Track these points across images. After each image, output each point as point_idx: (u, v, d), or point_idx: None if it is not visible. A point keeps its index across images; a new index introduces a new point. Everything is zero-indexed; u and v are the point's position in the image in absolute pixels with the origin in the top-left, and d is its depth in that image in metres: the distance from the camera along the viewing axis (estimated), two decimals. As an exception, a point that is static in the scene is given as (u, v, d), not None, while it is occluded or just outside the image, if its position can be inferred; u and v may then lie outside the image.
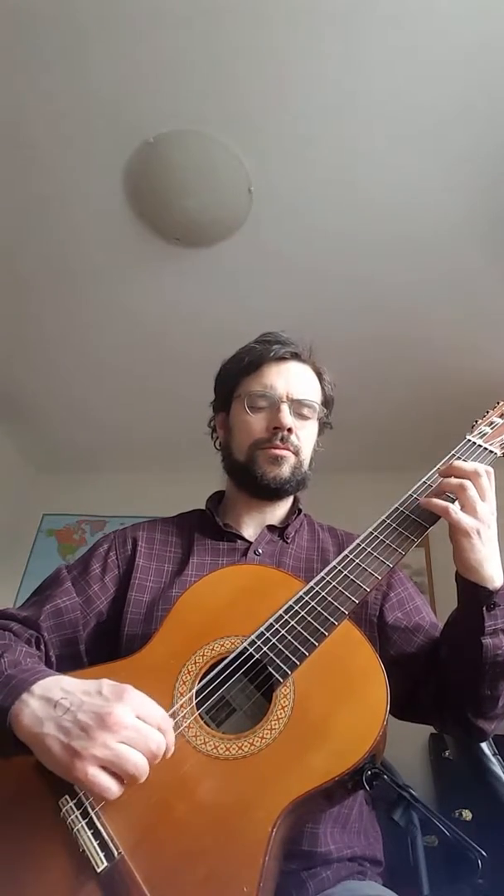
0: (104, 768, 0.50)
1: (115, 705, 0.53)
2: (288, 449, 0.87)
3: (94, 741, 0.50)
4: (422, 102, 1.45)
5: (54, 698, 0.55)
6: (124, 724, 0.52)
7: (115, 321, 2.26)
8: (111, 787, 0.50)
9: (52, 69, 1.44)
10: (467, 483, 0.68)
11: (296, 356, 0.93)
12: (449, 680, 0.73)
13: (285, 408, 0.88)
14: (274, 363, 0.91)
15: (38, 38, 1.38)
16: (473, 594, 0.68)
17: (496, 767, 1.07)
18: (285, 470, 0.87)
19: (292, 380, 0.90)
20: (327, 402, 0.97)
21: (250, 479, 0.88)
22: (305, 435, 0.91)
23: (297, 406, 0.90)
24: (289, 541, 0.91)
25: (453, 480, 0.69)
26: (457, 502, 0.69)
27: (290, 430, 0.87)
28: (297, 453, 0.89)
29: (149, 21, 1.34)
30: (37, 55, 1.41)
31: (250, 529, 0.92)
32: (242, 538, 0.90)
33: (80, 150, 1.62)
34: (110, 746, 0.50)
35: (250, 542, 0.89)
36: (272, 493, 0.90)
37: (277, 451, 0.87)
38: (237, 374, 0.93)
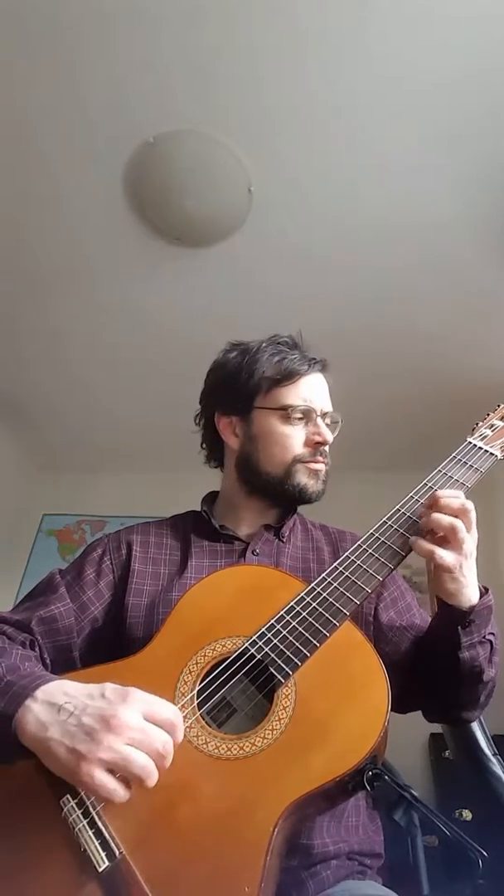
0: (110, 771, 0.50)
1: (119, 707, 0.53)
2: (325, 462, 0.90)
3: (99, 744, 0.50)
4: (423, 96, 1.45)
5: (58, 703, 0.54)
6: (129, 726, 0.51)
7: (115, 322, 2.26)
8: (117, 790, 0.50)
9: (52, 69, 1.44)
10: (458, 524, 0.67)
11: (324, 367, 0.94)
12: (433, 682, 0.77)
13: (322, 422, 0.90)
14: (309, 375, 0.91)
15: (37, 39, 1.38)
16: (449, 614, 0.71)
17: (496, 767, 1.08)
18: (321, 482, 0.90)
19: (323, 393, 0.93)
20: None
21: (284, 491, 0.88)
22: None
23: (326, 418, 0.92)
24: (284, 540, 0.92)
25: (444, 521, 0.67)
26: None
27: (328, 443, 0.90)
28: (328, 464, 0.91)
29: (149, 21, 1.34)
30: (37, 55, 1.41)
31: (247, 529, 0.92)
32: (239, 539, 0.90)
33: (80, 150, 1.62)
34: (116, 749, 0.50)
35: (247, 543, 0.90)
36: (304, 503, 0.91)
37: (318, 466, 0.89)
38: (266, 383, 0.90)
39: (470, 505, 0.68)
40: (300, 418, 0.89)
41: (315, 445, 0.88)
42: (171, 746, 0.53)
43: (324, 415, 0.91)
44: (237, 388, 0.92)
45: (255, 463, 0.90)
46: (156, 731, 0.53)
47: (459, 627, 0.70)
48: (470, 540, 0.68)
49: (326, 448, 0.90)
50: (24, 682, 0.58)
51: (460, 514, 0.67)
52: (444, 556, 0.66)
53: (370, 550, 0.71)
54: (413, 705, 0.81)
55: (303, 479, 0.87)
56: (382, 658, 0.79)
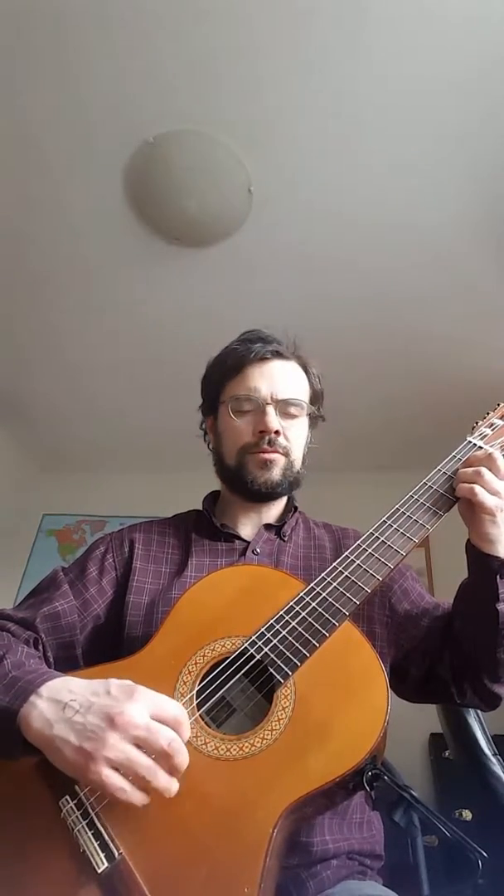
0: (116, 770, 0.50)
1: (125, 705, 0.53)
2: (277, 451, 0.86)
3: (104, 742, 0.50)
4: (422, 97, 1.45)
5: (63, 700, 0.54)
6: (135, 724, 0.51)
7: (115, 322, 2.26)
8: (124, 787, 0.50)
9: (52, 69, 1.44)
10: (482, 469, 0.71)
11: (278, 354, 0.90)
12: (464, 650, 0.76)
13: (270, 410, 0.86)
14: (256, 364, 0.88)
15: (38, 39, 1.38)
16: (487, 565, 0.71)
17: (496, 767, 1.08)
18: (276, 473, 0.87)
19: (276, 379, 0.88)
20: (316, 396, 0.95)
21: (241, 483, 0.88)
22: (295, 434, 0.90)
23: (284, 406, 0.88)
24: (286, 539, 0.91)
25: (468, 470, 0.72)
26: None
27: (277, 432, 0.85)
28: (286, 454, 0.88)
29: (149, 21, 1.34)
30: (37, 55, 1.41)
31: (247, 529, 0.92)
32: (240, 538, 0.90)
33: (80, 150, 1.63)
34: (121, 748, 0.50)
35: (248, 542, 0.89)
36: (264, 496, 0.89)
37: (266, 456, 0.86)
38: (221, 378, 0.92)
39: (494, 453, 0.72)
40: (247, 409, 0.87)
41: (259, 434, 0.86)
42: (178, 744, 0.53)
43: (277, 402, 0.87)
44: (208, 389, 0.95)
45: (221, 459, 0.92)
46: (162, 729, 0.52)
47: (498, 577, 0.70)
48: (502, 484, 0.70)
49: (279, 437, 0.86)
50: (28, 677, 0.58)
51: (485, 462, 0.72)
52: (485, 496, 0.68)
53: (370, 550, 0.71)
54: (436, 690, 0.80)
55: (253, 469, 0.86)
56: (404, 648, 0.80)
